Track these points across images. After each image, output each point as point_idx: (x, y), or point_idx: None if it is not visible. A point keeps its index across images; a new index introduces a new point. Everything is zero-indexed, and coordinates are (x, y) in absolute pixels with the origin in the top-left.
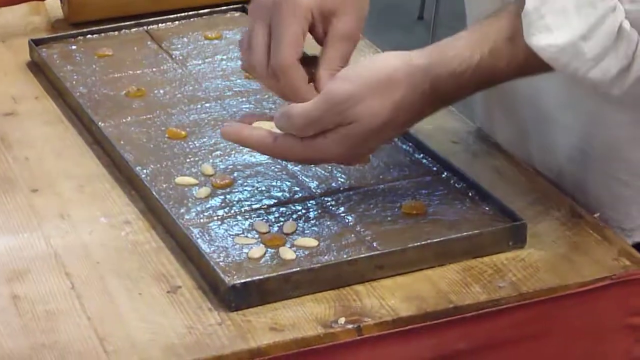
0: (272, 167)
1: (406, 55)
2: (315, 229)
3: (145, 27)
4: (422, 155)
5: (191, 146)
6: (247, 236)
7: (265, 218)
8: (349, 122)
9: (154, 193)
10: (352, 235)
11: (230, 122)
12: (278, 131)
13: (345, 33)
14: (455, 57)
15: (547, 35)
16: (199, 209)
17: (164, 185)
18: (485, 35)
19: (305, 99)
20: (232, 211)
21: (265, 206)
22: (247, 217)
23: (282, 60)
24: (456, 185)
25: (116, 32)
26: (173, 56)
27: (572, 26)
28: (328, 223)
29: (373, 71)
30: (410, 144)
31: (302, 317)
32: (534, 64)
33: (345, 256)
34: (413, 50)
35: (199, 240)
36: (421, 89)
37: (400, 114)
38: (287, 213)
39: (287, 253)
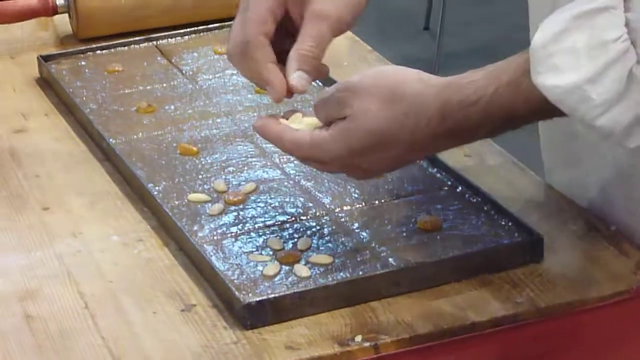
0: (285, 183)
1: (424, 74)
2: (330, 245)
3: (155, 42)
4: (436, 169)
5: (203, 162)
6: (261, 253)
7: (279, 235)
8: (345, 115)
9: (167, 210)
10: (367, 251)
11: (262, 116)
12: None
13: (317, 12)
14: (470, 84)
15: (554, 75)
16: (212, 226)
17: (177, 202)
18: (505, 68)
19: (268, 79)
20: (246, 228)
21: (279, 222)
22: (260, 234)
23: (245, 36)
24: (471, 199)
25: (126, 48)
26: (183, 71)
27: (580, 68)
28: (343, 239)
29: (384, 77)
30: (424, 158)
31: (318, 334)
32: (553, 104)
33: (360, 273)
34: (419, 59)
35: (213, 258)
36: (428, 113)
37: (403, 133)
38: (301, 229)
39: (302, 270)
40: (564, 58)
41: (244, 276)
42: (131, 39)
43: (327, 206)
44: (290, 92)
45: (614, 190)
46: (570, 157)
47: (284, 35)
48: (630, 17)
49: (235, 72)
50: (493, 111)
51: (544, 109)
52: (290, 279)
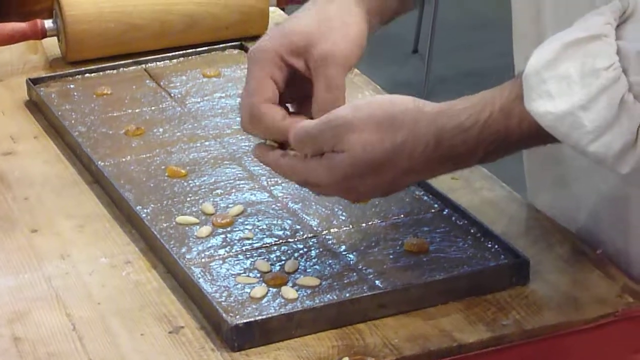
0: (273, 206)
1: (419, 101)
2: (317, 267)
3: (143, 66)
4: (423, 192)
5: (191, 185)
6: (248, 275)
7: (267, 257)
8: (342, 150)
9: (155, 232)
10: (354, 273)
11: (259, 144)
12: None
13: (321, 57)
14: (465, 110)
15: (547, 101)
16: (200, 248)
17: (165, 225)
18: (498, 94)
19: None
20: (234, 250)
21: (267, 245)
22: (248, 256)
23: (250, 108)
24: (458, 222)
25: (114, 71)
26: (172, 94)
27: (573, 95)
28: (330, 261)
29: (381, 107)
30: None
31: (305, 356)
32: (545, 131)
33: (347, 295)
34: (408, 83)
35: (201, 280)
36: (425, 137)
37: (400, 159)
38: (289, 252)
39: (290, 292)
40: (557, 85)
41: (232, 298)
42: (120, 62)
43: (315, 229)
44: None
45: (602, 213)
46: (556, 180)
47: (301, 81)
48: (621, 45)
49: (223, 95)
50: (487, 137)
51: (537, 134)
52: (277, 301)
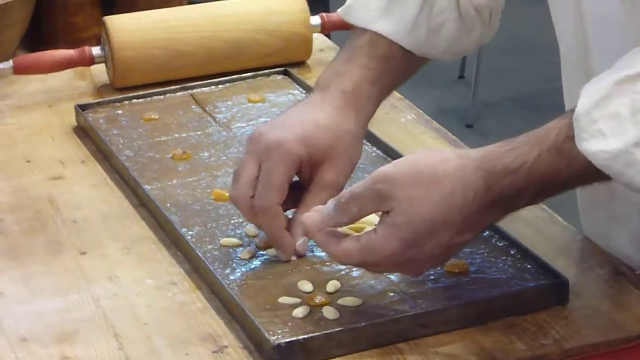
0: None
1: (462, 150)
2: (359, 287)
3: (189, 91)
4: None
5: (235, 208)
6: (291, 296)
7: (309, 278)
8: (389, 208)
9: (199, 254)
10: (395, 294)
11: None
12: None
13: (329, 183)
14: (511, 151)
15: (600, 141)
16: (243, 269)
17: (209, 247)
18: (545, 134)
19: (282, 245)
20: (276, 271)
21: (309, 266)
22: (291, 277)
23: (266, 203)
24: (498, 243)
25: (161, 97)
26: (217, 119)
27: (626, 133)
28: (371, 282)
29: (424, 160)
30: None
31: None
32: (596, 169)
33: (388, 315)
34: (454, 108)
35: (244, 300)
36: (474, 185)
37: (452, 213)
38: (331, 272)
39: (331, 312)
40: (609, 123)
41: (274, 318)
42: (167, 88)
43: None
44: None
45: None
46: (610, 216)
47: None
48: None
49: (268, 119)
50: (536, 177)
51: (588, 174)
52: (319, 320)
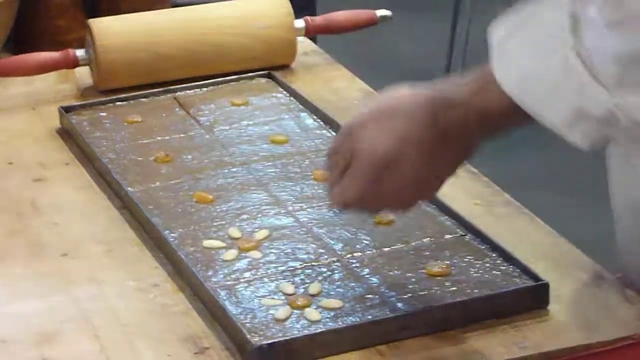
0: (298, 230)
1: (414, 88)
2: (341, 290)
3: (173, 94)
4: (445, 217)
5: (218, 210)
6: (273, 298)
7: (291, 280)
8: (356, 152)
9: (182, 256)
10: (377, 296)
11: None
12: None
13: None
14: (457, 87)
15: (509, 67)
16: (226, 271)
17: (192, 249)
18: (482, 69)
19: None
20: (259, 273)
21: (291, 268)
22: (273, 279)
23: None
24: (479, 246)
25: (145, 99)
26: (201, 122)
27: (522, 62)
28: (353, 284)
29: (381, 101)
30: (434, 206)
31: None
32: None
33: (369, 317)
34: None
35: (226, 302)
36: (424, 119)
37: (408, 149)
38: (313, 275)
39: (313, 314)
40: (516, 52)
41: (256, 320)
42: (150, 91)
43: (338, 252)
44: None
45: None
46: None
47: None
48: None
49: (251, 122)
50: (473, 112)
51: (515, 110)
52: (301, 322)
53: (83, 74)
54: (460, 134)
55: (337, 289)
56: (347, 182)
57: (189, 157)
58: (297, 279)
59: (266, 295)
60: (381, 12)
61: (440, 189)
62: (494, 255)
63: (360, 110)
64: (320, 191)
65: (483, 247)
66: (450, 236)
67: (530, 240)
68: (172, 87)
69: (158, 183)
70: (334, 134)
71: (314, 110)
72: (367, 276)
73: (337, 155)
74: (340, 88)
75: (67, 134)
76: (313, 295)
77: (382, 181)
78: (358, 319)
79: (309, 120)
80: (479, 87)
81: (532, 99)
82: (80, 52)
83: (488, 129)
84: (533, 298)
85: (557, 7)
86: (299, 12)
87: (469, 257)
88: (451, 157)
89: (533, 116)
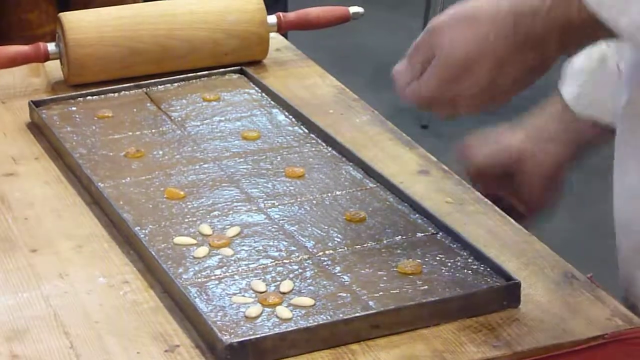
0: (269, 227)
1: None
2: (312, 288)
3: (144, 89)
4: (417, 215)
5: (189, 206)
6: (244, 295)
7: (263, 277)
8: (437, 51)
9: (153, 253)
10: (348, 294)
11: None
12: None
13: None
14: None
15: None
16: (196, 268)
17: (163, 245)
18: None
19: None
20: (230, 271)
21: (262, 266)
22: (244, 276)
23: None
24: (451, 245)
25: (116, 94)
26: (172, 118)
27: None
28: (324, 282)
29: (464, 7)
30: (405, 204)
31: None
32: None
33: (341, 315)
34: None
35: (197, 300)
36: (505, 27)
37: (485, 51)
38: (284, 272)
39: (284, 312)
40: None
41: (227, 318)
42: (121, 86)
43: (310, 250)
44: None
45: None
46: None
47: None
48: None
49: (223, 118)
50: (553, 22)
51: (595, 21)
52: (272, 320)
53: (53, 68)
54: (539, 44)
55: (309, 287)
56: (425, 79)
57: (160, 152)
58: (268, 276)
59: (237, 293)
60: (354, 9)
61: (514, 95)
62: (465, 254)
63: (443, 14)
64: (292, 188)
65: (454, 245)
66: (422, 234)
67: (502, 238)
68: (143, 82)
69: (129, 179)
70: (306, 130)
71: (285, 106)
72: (339, 274)
73: (417, 52)
74: (312, 84)
75: (37, 129)
76: (284, 293)
77: (459, 82)
78: (329, 318)
79: (281, 117)
80: (561, 1)
81: (608, 6)
82: (51, 46)
83: (566, 41)
84: (505, 297)
85: None
86: (270, 8)
87: (440, 255)
88: (528, 66)
89: (609, 23)
